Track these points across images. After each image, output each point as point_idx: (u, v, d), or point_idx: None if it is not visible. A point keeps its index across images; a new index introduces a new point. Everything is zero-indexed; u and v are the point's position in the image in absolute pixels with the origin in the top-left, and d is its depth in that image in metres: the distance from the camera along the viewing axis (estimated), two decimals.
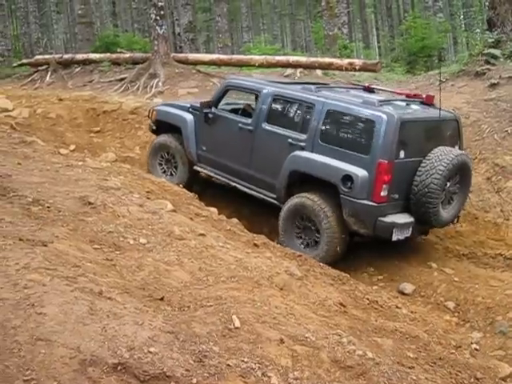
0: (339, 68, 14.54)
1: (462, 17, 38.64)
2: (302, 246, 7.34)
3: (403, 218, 6.90)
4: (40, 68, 17.29)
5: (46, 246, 4.09)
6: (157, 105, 10.27)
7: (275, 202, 7.61)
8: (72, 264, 3.87)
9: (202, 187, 9.01)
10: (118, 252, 4.50)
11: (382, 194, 6.64)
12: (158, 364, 2.86)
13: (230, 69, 15.93)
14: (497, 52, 12.18)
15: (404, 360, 3.91)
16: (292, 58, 15.44)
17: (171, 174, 8.96)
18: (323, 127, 7.15)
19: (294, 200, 7.26)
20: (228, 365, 3.05)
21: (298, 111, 7.50)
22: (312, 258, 6.49)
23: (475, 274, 7.32)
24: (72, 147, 10.58)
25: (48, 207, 5.15)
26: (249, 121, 7.94)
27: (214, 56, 16.72)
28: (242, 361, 3.13)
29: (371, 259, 7.76)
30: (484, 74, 11.79)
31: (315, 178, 7.11)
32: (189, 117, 8.66)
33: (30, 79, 16.98)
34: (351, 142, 6.93)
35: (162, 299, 3.77)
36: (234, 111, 8.56)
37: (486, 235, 8.58)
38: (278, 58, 15.69)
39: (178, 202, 6.62)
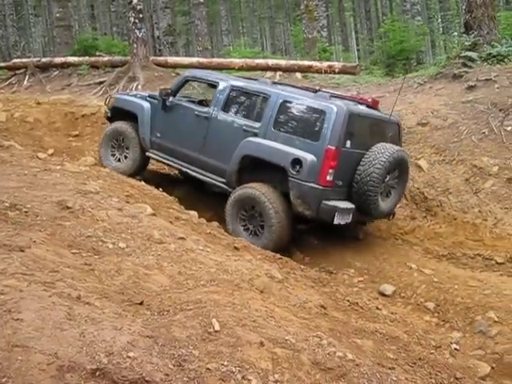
0: (319, 71, 14.62)
1: (439, 20, 39.08)
2: (247, 233, 7.62)
3: (345, 204, 7.37)
4: (18, 71, 17.13)
5: (23, 251, 4.04)
6: (115, 93, 10.47)
7: (225, 186, 7.96)
8: (50, 269, 3.83)
9: (184, 191, 8.97)
10: (96, 256, 4.46)
11: (328, 178, 7.11)
12: (137, 369, 2.84)
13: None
14: (474, 55, 12.31)
15: (384, 361, 3.93)
16: (271, 61, 15.49)
17: (120, 161, 9.24)
18: (277, 116, 7.61)
19: (241, 190, 7.62)
20: (208, 368, 3.03)
21: (254, 102, 8.04)
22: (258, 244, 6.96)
23: (454, 275, 7.38)
24: (50, 151, 10.48)
25: (25, 212, 5.09)
26: (205, 109, 8.41)
27: (194, 59, 16.71)
28: (222, 364, 3.11)
29: (351, 261, 7.79)
30: (461, 76, 11.90)
31: (266, 163, 7.47)
32: (146, 104, 9.01)
33: (7, 83, 16.80)
34: (302, 130, 7.43)
35: (141, 303, 3.74)
36: (191, 102, 9.00)
37: (464, 236, 8.65)
38: (257, 61, 15.73)
39: (157, 206, 6.59)
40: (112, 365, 2.83)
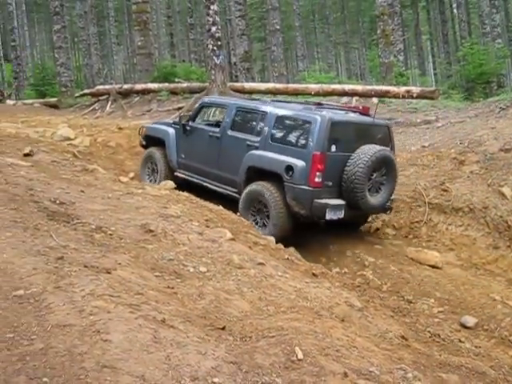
0: (396, 96, 14.47)
1: None
2: (257, 225, 8.39)
3: (335, 201, 8.17)
4: (101, 98, 17.86)
5: (109, 273, 4.15)
6: (146, 124, 11.94)
7: (236, 195, 8.88)
8: (135, 291, 3.92)
9: None
10: (178, 280, 4.53)
11: (317, 180, 7.97)
12: None
13: (285, 97, 16.05)
14: None
15: None
16: (348, 87, 15.46)
17: (155, 181, 10.34)
18: (273, 130, 8.63)
19: (250, 187, 8.61)
20: None
21: (254, 119, 9.06)
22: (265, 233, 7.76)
23: None
24: (131, 175, 10.81)
25: (110, 234, 5.25)
26: (217, 129, 9.51)
27: (270, 85, 16.91)
28: None
29: (431, 290, 7.57)
30: None
31: (266, 171, 8.47)
32: (171, 130, 10.23)
33: (91, 108, 17.53)
34: (293, 140, 8.45)
35: (223, 328, 3.75)
36: (208, 125, 10.10)
37: None
38: (333, 86, 15.74)
39: (235, 231, 6.63)
40: None
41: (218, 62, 15.99)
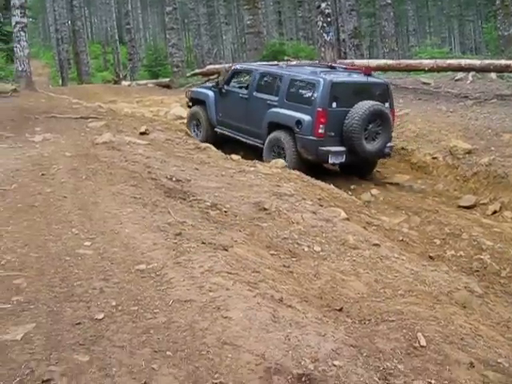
0: None
1: None
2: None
3: (337, 148, 9.59)
4: (211, 77, 18.08)
5: (226, 250, 4.19)
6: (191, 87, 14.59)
7: (261, 145, 10.40)
8: (252, 269, 3.92)
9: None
10: (294, 259, 4.50)
11: (320, 131, 9.46)
12: (342, 379, 2.77)
13: (396, 74, 15.55)
14: None
15: None
16: (464, 61, 14.63)
17: (197, 135, 11.96)
18: (287, 90, 10.09)
19: (271, 135, 10.21)
20: None
21: (274, 82, 10.55)
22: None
23: None
24: (241, 153, 10.90)
25: (225, 212, 5.31)
26: (245, 91, 11.08)
27: (382, 61, 16.40)
28: (429, 382, 2.94)
29: None
30: None
31: (282, 125, 10.01)
32: (210, 93, 11.90)
33: None
34: (303, 99, 9.84)
35: (340, 310, 3.68)
36: (239, 88, 11.54)
37: None
38: (449, 61, 14.94)
39: (348, 210, 6.50)
40: (318, 372, 2.79)
41: (327, 39, 15.71)
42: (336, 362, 2.87)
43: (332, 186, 7.89)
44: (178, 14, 27.41)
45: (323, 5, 15.91)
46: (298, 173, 7.97)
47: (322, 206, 6.04)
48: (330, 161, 9.66)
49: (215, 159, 7.85)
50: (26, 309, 3.24)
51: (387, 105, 10.11)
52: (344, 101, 9.66)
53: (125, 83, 23.52)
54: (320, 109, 9.50)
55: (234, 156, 8.68)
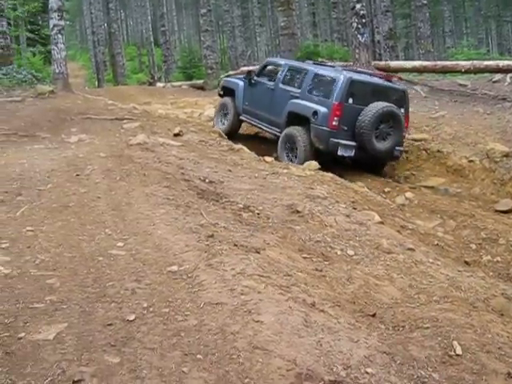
0: None
1: None
2: (288, 159, 10.39)
3: (347, 142, 10.01)
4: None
5: (258, 252, 4.16)
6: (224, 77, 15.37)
7: (279, 134, 10.84)
8: (284, 272, 3.89)
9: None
10: (326, 262, 4.44)
11: (334, 123, 9.92)
12: None
13: (432, 75, 15.32)
14: None
15: None
16: (502, 63, 14.31)
17: (223, 124, 12.54)
18: (310, 84, 10.65)
19: (286, 130, 10.72)
20: None
21: (298, 75, 11.11)
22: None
23: None
24: (274, 155, 10.87)
25: (258, 214, 5.28)
26: (272, 83, 11.59)
27: (417, 63, 16.17)
28: None
29: None
30: None
31: (300, 115, 10.45)
32: (241, 83, 12.43)
33: None
34: (322, 92, 10.35)
35: (373, 315, 3.62)
36: (267, 79, 12.04)
37: None
38: (486, 62, 14.65)
39: (382, 213, 6.41)
40: (350, 379, 2.74)
41: (362, 41, 15.53)
42: (369, 370, 2.82)
43: (366, 188, 7.80)
44: (213, 16, 27.54)
45: (358, 6, 15.75)
46: (331, 175, 7.90)
47: (355, 208, 5.96)
48: (339, 153, 10.05)
49: (248, 161, 7.83)
50: (58, 308, 3.26)
51: (402, 110, 10.49)
52: (360, 99, 10.15)
53: (159, 85, 23.72)
54: (336, 102, 10.01)
55: (267, 158, 8.65)
